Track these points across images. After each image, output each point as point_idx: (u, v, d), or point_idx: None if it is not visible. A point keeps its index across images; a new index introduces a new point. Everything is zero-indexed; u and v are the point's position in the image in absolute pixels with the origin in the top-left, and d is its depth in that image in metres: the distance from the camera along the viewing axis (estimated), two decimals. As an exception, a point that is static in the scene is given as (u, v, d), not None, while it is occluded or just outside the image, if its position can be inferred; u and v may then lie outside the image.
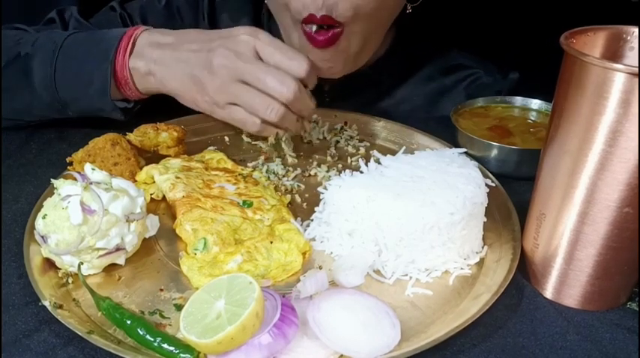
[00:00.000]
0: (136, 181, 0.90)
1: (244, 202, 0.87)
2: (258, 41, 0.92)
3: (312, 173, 1.00)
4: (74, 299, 0.71)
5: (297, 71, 0.91)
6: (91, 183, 0.75)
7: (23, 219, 0.83)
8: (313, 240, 0.82)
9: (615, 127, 0.62)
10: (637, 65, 0.59)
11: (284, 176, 0.98)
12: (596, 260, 0.70)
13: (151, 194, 0.90)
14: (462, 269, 0.77)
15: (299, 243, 0.80)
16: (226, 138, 1.08)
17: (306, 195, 0.94)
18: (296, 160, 1.03)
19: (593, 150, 0.64)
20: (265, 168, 1.00)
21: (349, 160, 1.04)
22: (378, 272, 0.77)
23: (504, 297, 0.72)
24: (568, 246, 0.71)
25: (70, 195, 0.73)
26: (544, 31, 0.96)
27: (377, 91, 1.23)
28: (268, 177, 0.97)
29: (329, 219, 0.81)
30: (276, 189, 0.94)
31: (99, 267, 0.76)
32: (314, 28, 0.94)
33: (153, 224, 0.82)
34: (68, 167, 0.91)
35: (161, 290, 0.74)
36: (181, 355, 0.63)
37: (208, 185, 0.89)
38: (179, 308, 0.70)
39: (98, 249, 0.74)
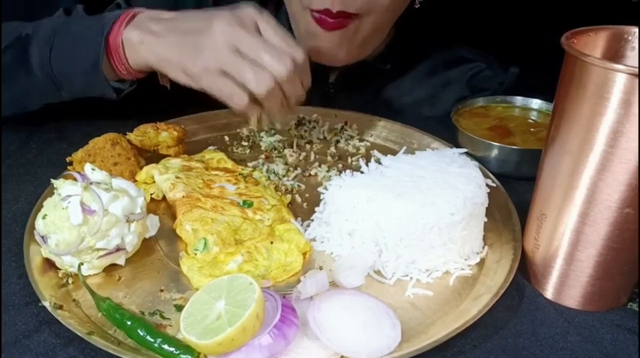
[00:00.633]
0: (136, 181, 0.90)
1: (244, 202, 0.86)
2: (262, 20, 0.91)
3: (313, 173, 1.00)
4: (74, 300, 0.71)
5: (294, 55, 0.90)
6: (91, 183, 0.75)
7: (23, 219, 0.83)
8: (313, 240, 0.82)
9: (616, 128, 0.62)
10: (638, 65, 0.59)
11: (284, 176, 0.98)
12: (596, 260, 0.70)
13: (151, 194, 0.90)
14: (462, 269, 0.77)
15: (299, 244, 0.80)
16: (226, 138, 1.08)
17: (307, 195, 0.94)
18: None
19: (594, 150, 0.64)
20: (265, 167, 1.00)
21: (349, 160, 1.04)
22: (378, 272, 0.77)
23: (505, 298, 0.72)
24: (569, 246, 0.71)
25: (70, 195, 0.73)
26: (544, 30, 0.96)
27: (381, 83, 1.23)
28: (268, 177, 0.97)
29: (329, 219, 0.81)
30: (277, 189, 0.94)
31: (99, 267, 0.75)
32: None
33: (153, 224, 0.82)
34: (68, 167, 0.91)
35: (161, 290, 0.74)
36: (182, 356, 0.63)
37: (208, 185, 0.89)
38: (179, 308, 0.70)
39: (98, 250, 0.73)
